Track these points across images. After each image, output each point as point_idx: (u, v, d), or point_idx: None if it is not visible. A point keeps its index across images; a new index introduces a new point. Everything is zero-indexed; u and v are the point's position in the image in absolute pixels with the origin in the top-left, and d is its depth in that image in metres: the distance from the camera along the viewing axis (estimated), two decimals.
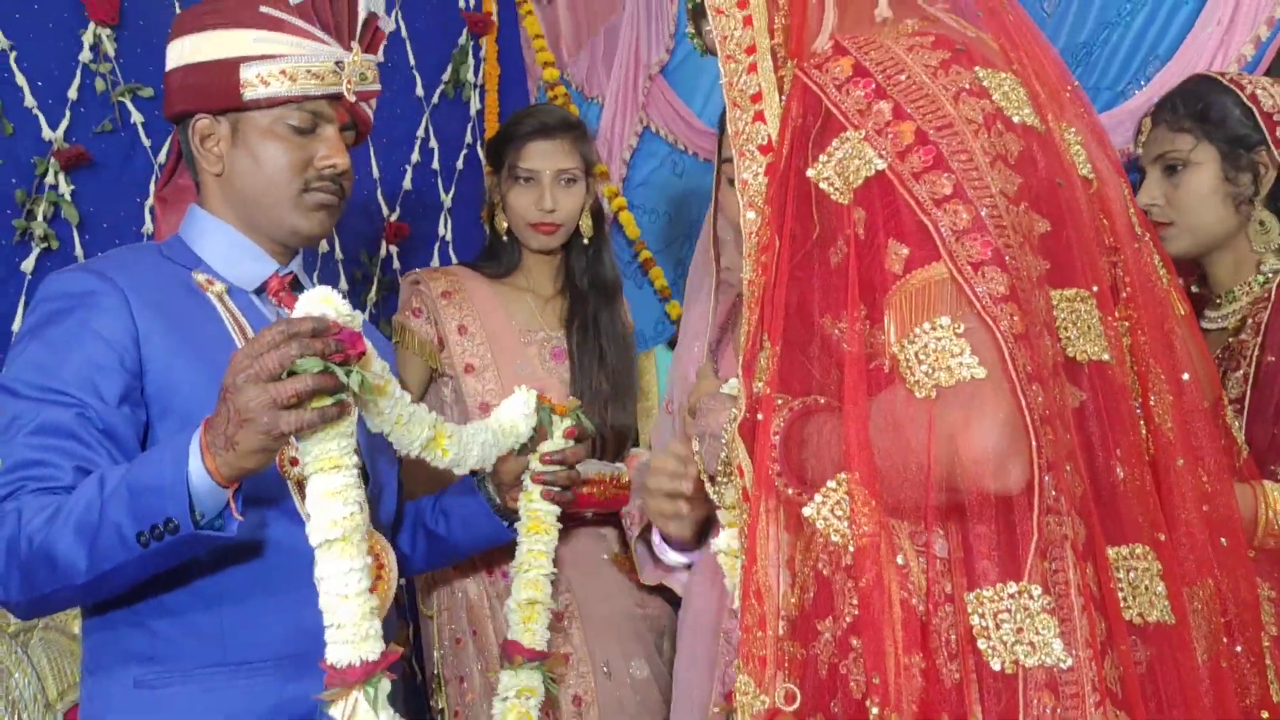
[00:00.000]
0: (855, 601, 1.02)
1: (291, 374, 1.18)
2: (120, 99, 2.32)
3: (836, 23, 1.19)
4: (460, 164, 3.10)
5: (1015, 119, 1.10)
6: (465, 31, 3.15)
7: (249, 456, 1.23)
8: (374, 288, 2.89)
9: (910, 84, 1.08)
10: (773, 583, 1.07)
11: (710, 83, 2.84)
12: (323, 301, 1.23)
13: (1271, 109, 1.70)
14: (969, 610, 0.98)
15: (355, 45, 1.56)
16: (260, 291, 1.59)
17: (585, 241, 2.25)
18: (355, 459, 1.26)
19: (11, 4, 2.16)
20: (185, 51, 1.57)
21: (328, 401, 1.20)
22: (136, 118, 2.35)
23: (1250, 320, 1.66)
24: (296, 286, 1.63)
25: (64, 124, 2.22)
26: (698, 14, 1.34)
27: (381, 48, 1.65)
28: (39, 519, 1.30)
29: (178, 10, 2.44)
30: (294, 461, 1.36)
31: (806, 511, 1.05)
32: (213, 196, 1.60)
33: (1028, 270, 1.03)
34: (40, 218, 2.15)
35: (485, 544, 1.84)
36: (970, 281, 1.00)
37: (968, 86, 1.08)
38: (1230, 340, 1.69)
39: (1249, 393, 1.60)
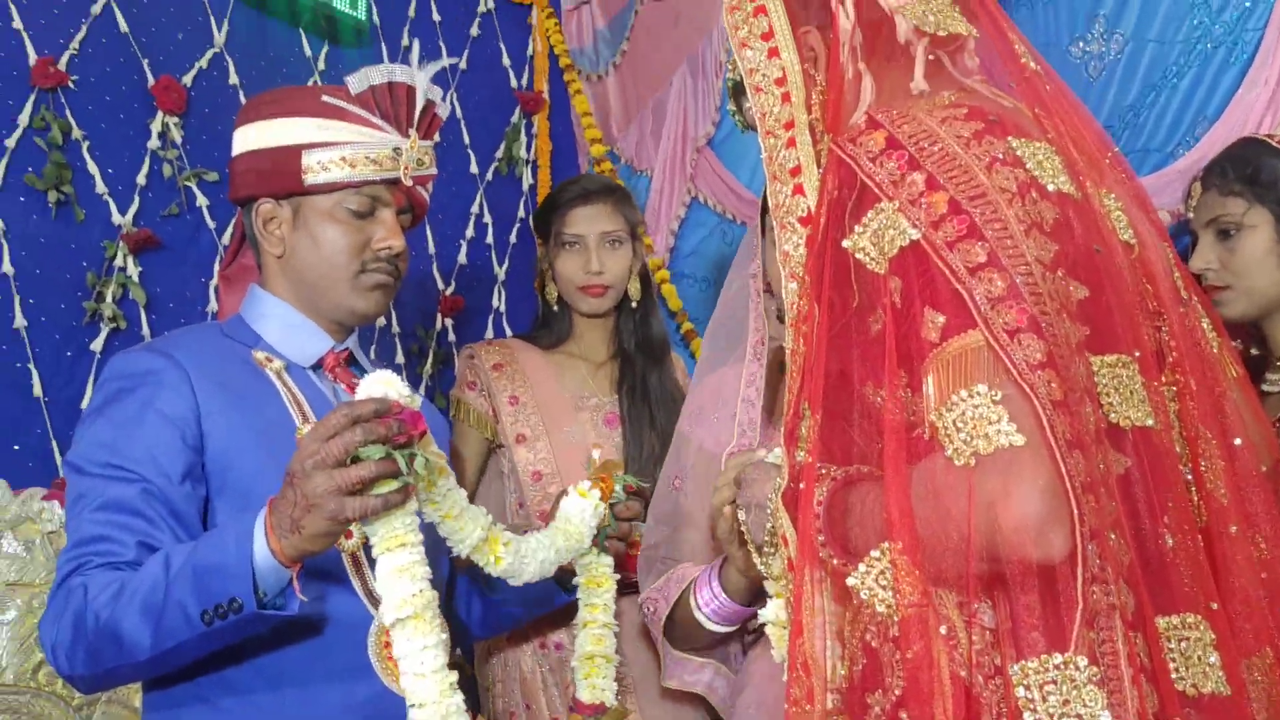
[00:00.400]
0: (902, 674, 1.01)
1: (355, 459, 1.22)
2: (186, 183, 2.41)
3: (874, 97, 1.21)
4: (513, 238, 3.17)
5: (1050, 187, 1.10)
6: (518, 110, 3.24)
7: (314, 540, 1.26)
8: (430, 360, 2.94)
9: (943, 155, 1.10)
10: (819, 654, 1.06)
11: (757, 154, 2.88)
12: (384, 384, 1.27)
13: None
14: (1014, 682, 0.96)
15: (413, 132, 1.61)
16: (317, 368, 1.64)
17: (634, 305, 2.27)
18: (420, 536, 1.28)
19: (85, 96, 2.26)
20: (250, 138, 1.64)
21: (391, 486, 1.24)
22: (201, 201, 2.43)
23: None
24: (352, 363, 1.68)
25: (133, 209, 2.31)
26: (738, 92, 1.37)
27: (438, 131, 1.70)
28: (105, 595, 1.34)
29: (241, 99, 2.54)
30: (348, 534, 1.37)
31: (850, 581, 1.04)
32: (273, 277, 1.65)
33: (1065, 336, 1.03)
34: (109, 299, 2.23)
35: (543, 609, 1.84)
36: (1006, 349, 1.00)
37: (1001, 156, 1.10)
38: None
39: None
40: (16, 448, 2.08)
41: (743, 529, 1.27)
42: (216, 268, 2.44)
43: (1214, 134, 2.21)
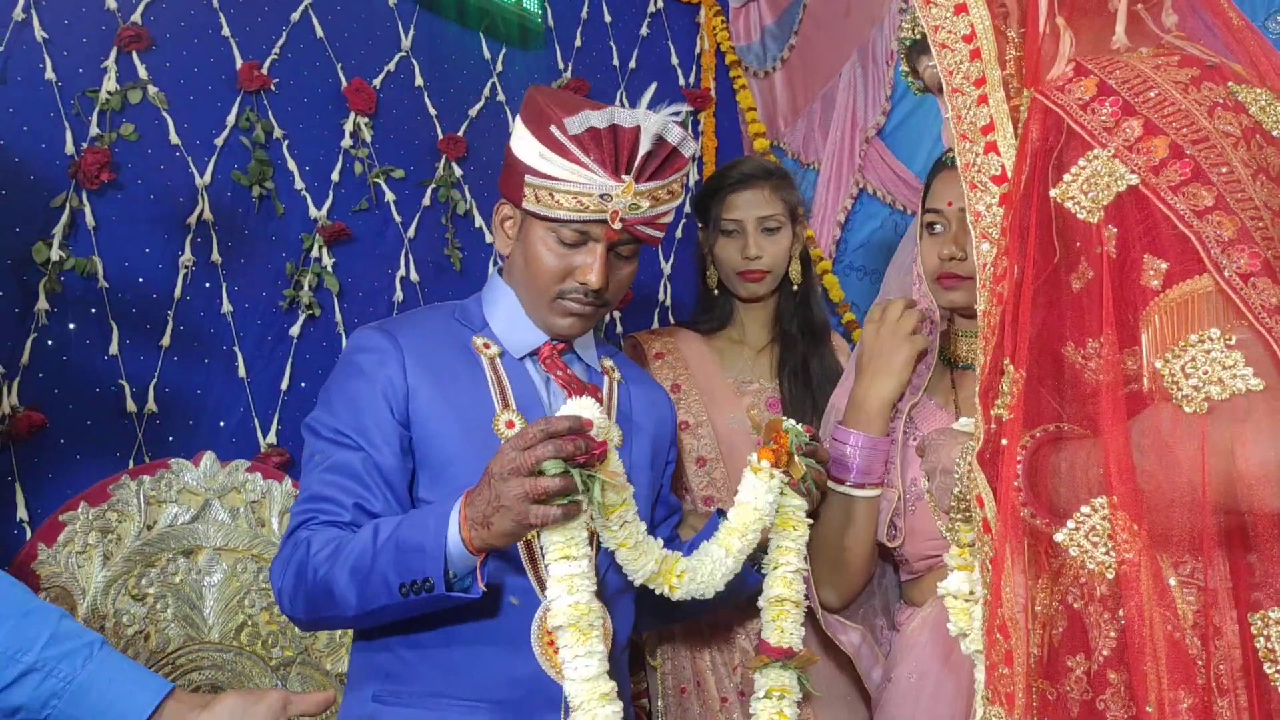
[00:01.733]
0: (1112, 634, 0.99)
1: (542, 472, 1.35)
2: (376, 180, 2.54)
3: (1073, 51, 1.19)
4: (679, 233, 3.21)
5: (1275, 133, 1.07)
6: (685, 107, 3.27)
7: (500, 537, 1.39)
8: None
9: (1160, 100, 1.07)
10: (1019, 616, 1.04)
11: (931, 142, 2.84)
12: (582, 408, 1.40)
13: None
14: (1254, 632, 0.93)
15: (628, 179, 1.58)
16: (534, 355, 1.71)
17: (794, 288, 2.27)
18: (587, 550, 1.41)
19: (284, 98, 2.42)
20: (514, 135, 1.69)
21: (571, 498, 1.36)
22: (389, 197, 2.56)
23: None
24: (569, 354, 1.74)
25: (327, 203, 2.45)
26: (916, 51, 1.36)
27: (682, 164, 1.65)
28: (324, 553, 1.49)
29: (425, 101, 2.67)
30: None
31: (1059, 538, 1.02)
32: (506, 269, 1.75)
33: None
34: (306, 288, 2.37)
35: (736, 596, 1.78)
36: (1240, 292, 0.97)
37: (1222, 101, 1.07)
38: None
39: None
40: (222, 424, 2.24)
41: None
42: (402, 260, 2.56)
43: None
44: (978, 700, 1.20)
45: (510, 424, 1.59)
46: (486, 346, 1.68)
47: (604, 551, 1.53)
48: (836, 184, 3.07)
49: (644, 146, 1.58)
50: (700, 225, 2.34)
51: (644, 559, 1.49)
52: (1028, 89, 1.17)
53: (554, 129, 1.60)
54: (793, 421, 1.65)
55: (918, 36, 1.34)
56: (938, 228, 1.74)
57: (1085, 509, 1.01)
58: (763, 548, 1.68)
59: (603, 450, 1.37)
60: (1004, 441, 1.06)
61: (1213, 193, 1.01)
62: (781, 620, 1.66)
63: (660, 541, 1.54)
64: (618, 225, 1.62)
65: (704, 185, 2.37)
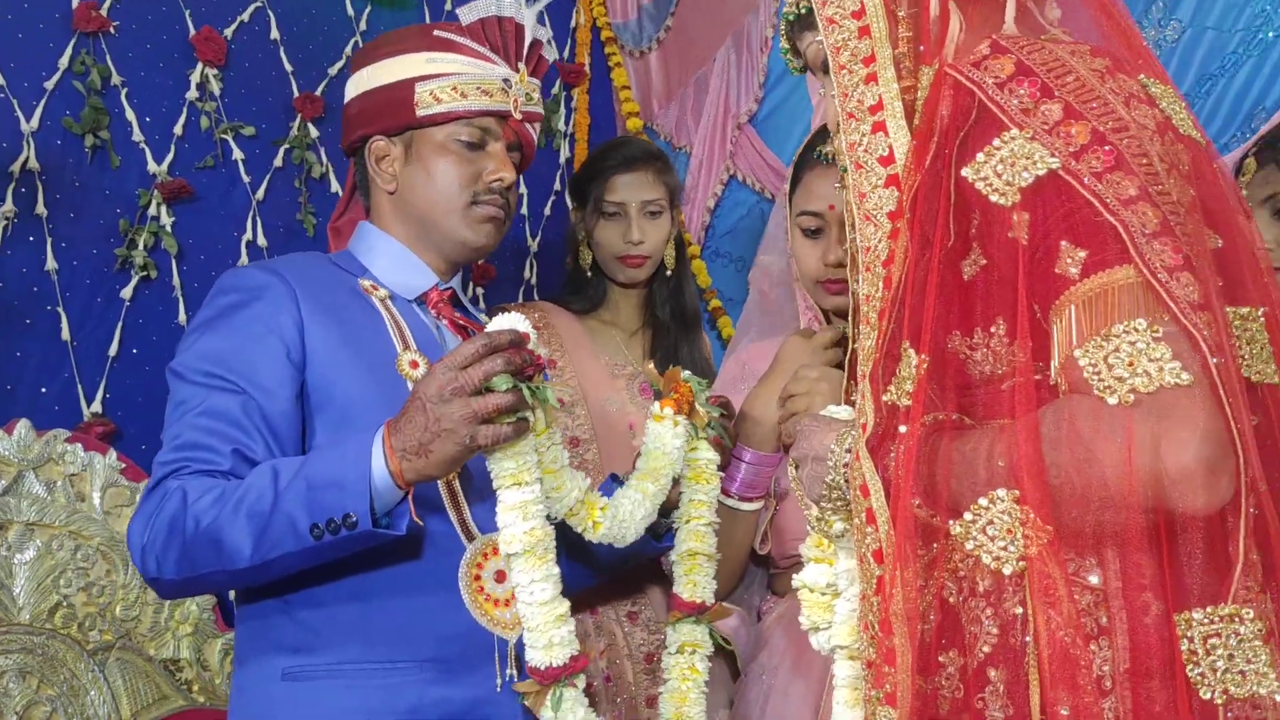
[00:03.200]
0: (994, 630, 0.98)
1: (488, 390, 1.25)
2: (223, 136, 2.40)
3: (963, 35, 1.17)
4: (548, 210, 3.14)
5: (1182, 130, 1.08)
6: (559, 82, 3.21)
7: (440, 465, 1.29)
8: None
9: (1079, 85, 1.05)
10: (905, 612, 1.00)
11: (801, 132, 2.84)
12: (514, 320, 1.31)
13: None
14: (1179, 634, 0.93)
15: (522, 66, 1.62)
16: (421, 302, 1.63)
17: (668, 273, 2.24)
18: (538, 474, 1.32)
19: (126, 42, 2.26)
20: (363, 80, 1.66)
21: (519, 414, 1.28)
22: (237, 154, 2.42)
23: None
24: (456, 302, 1.67)
25: (169, 158, 2.30)
26: (800, 27, 1.32)
27: (545, 71, 1.71)
28: (204, 500, 1.35)
29: (281, 56, 2.53)
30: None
31: (955, 530, 1.00)
32: (385, 214, 1.66)
33: (1211, 281, 1.00)
34: (141, 247, 2.22)
35: (633, 559, 1.76)
36: (1166, 285, 0.95)
37: (1136, 93, 1.06)
38: None
39: None
40: (44, 390, 2.09)
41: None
42: (249, 223, 2.43)
43: (1273, 125, 2.15)
44: (840, 695, 1.19)
45: (414, 364, 1.50)
46: (374, 289, 1.59)
47: None
48: (708, 169, 3.05)
49: (529, 35, 1.62)
50: (575, 206, 2.28)
51: (568, 486, 1.40)
52: (927, 65, 1.14)
53: (439, 33, 1.61)
54: (690, 373, 1.61)
55: (802, 11, 1.30)
56: (816, 231, 1.71)
57: (983, 501, 0.99)
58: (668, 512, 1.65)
59: (543, 362, 1.31)
60: (902, 429, 1.03)
61: (1135, 183, 0.99)
62: (694, 574, 1.62)
63: (582, 473, 1.46)
64: (519, 115, 1.62)
65: (584, 165, 2.32)
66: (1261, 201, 1.71)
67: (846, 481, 1.11)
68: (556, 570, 1.34)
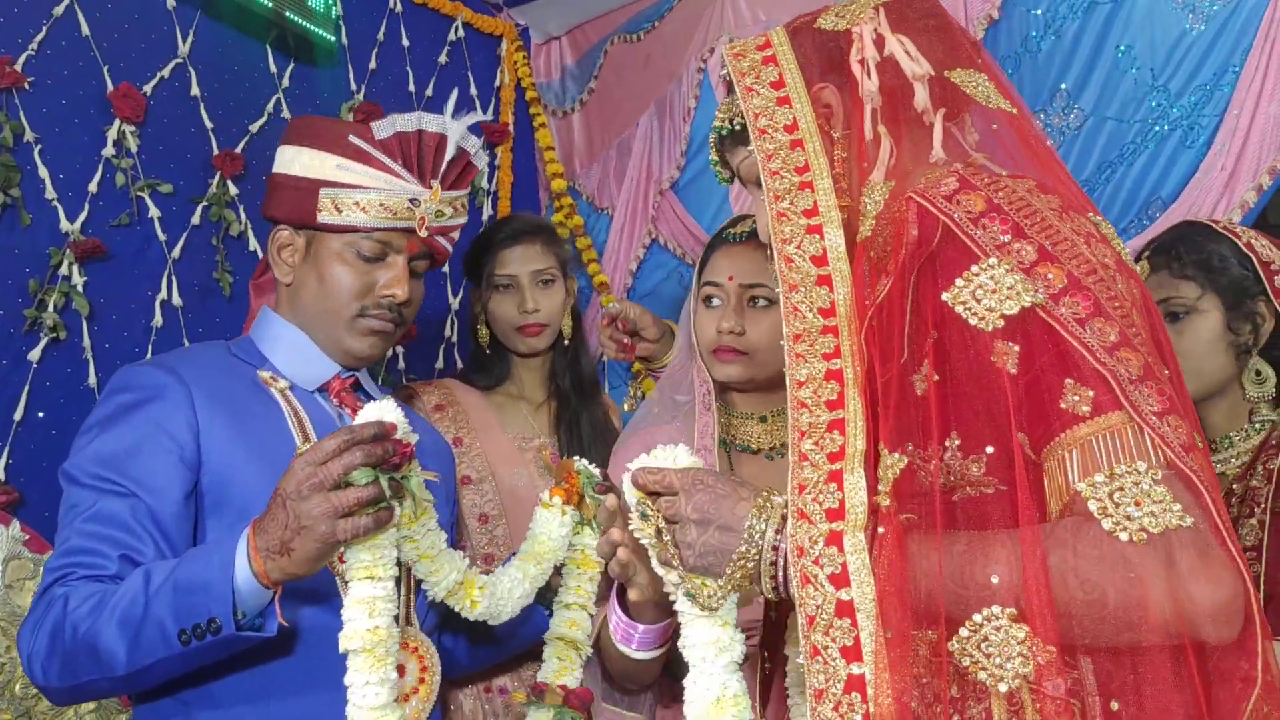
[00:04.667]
0: None
1: (348, 484, 1.23)
2: (140, 194, 2.35)
3: (893, 160, 1.22)
4: None
5: (1129, 266, 1.14)
6: (482, 140, 3.22)
7: (303, 564, 1.26)
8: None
9: (1046, 226, 1.11)
10: (901, 714, 1.02)
11: (719, 200, 2.90)
12: (382, 411, 1.29)
13: (1268, 259, 1.72)
14: None
15: (435, 184, 1.59)
16: (323, 391, 1.62)
17: (565, 343, 2.27)
18: (393, 571, 1.29)
19: (40, 98, 2.20)
20: (283, 160, 1.65)
21: (379, 506, 1.26)
22: (154, 212, 2.38)
23: (1261, 468, 1.66)
24: (358, 389, 1.66)
25: (82, 216, 2.24)
26: (732, 142, 1.36)
27: (470, 181, 1.68)
28: (84, 608, 1.33)
29: (202, 112, 2.50)
30: (342, 559, 1.36)
31: (952, 646, 1.02)
32: (283, 302, 1.66)
33: (1191, 417, 1.05)
34: (51, 308, 2.16)
35: (531, 637, 1.76)
36: (1159, 431, 1.00)
37: (1092, 231, 1.12)
38: (1235, 487, 1.68)
39: (1266, 539, 1.60)
40: None
41: (667, 546, 1.16)
42: (164, 282, 2.38)
43: (1169, 216, 2.26)
44: None
45: None
46: (274, 380, 1.58)
47: (422, 593, 1.47)
48: (630, 232, 3.09)
49: (449, 152, 1.59)
50: (472, 283, 2.30)
51: (446, 569, 1.41)
52: (863, 185, 1.19)
53: (354, 138, 1.58)
54: (585, 463, 1.62)
55: (736, 128, 1.34)
56: (715, 301, 1.76)
57: (978, 617, 1.02)
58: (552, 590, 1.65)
59: (410, 451, 1.29)
60: (880, 529, 1.05)
61: (1115, 328, 1.04)
62: (554, 658, 1.62)
63: (461, 554, 1.46)
64: (425, 233, 1.60)
65: (473, 243, 2.33)
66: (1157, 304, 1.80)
67: (778, 562, 1.10)
68: (394, 676, 1.30)
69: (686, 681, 1.20)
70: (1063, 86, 2.44)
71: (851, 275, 1.17)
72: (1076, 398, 1.03)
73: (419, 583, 1.48)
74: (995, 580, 1.01)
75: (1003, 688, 1.01)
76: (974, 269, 1.08)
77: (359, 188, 1.57)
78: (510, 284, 2.21)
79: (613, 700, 1.77)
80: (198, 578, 1.29)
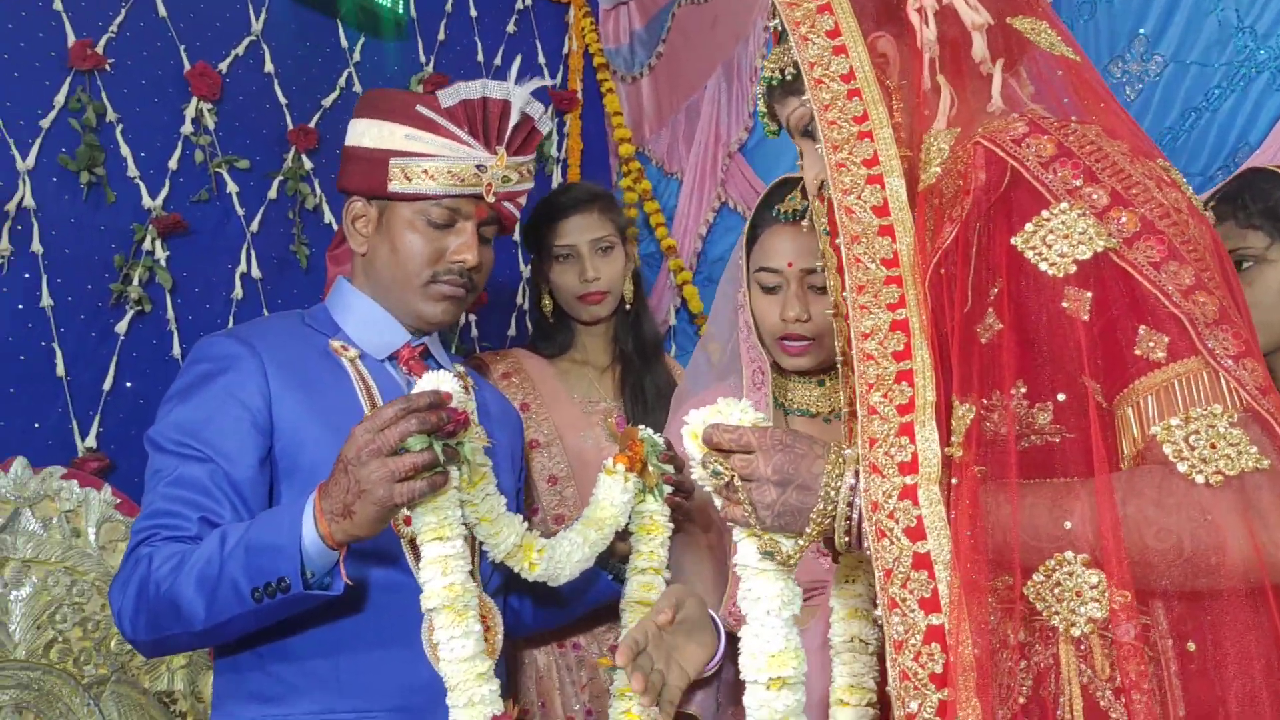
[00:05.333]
0: (1028, 682, 1.01)
1: (405, 450, 1.28)
2: (217, 170, 2.42)
3: (953, 110, 1.20)
4: None
5: (1200, 210, 1.11)
6: (550, 108, 3.23)
7: (364, 525, 1.31)
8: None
9: (1117, 170, 1.09)
10: (979, 663, 1.01)
11: (789, 161, 2.86)
12: (439, 381, 1.33)
13: None
14: None
15: (500, 149, 1.62)
16: (392, 359, 1.66)
17: (627, 308, 2.29)
18: (461, 529, 1.34)
19: (121, 79, 2.28)
20: (355, 134, 1.69)
21: (435, 470, 1.30)
22: (231, 188, 2.44)
23: None
24: (428, 357, 1.70)
25: (163, 193, 2.32)
26: (781, 92, 1.34)
27: (535, 147, 1.71)
28: (166, 567, 1.40)
29: (276, 89, 2.55)
30: (407, 521, 1.41)
31: (1026, 591, 1.03)
32: (357, 272, 1.71)
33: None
34: (136, 282, 2.24)
35: (596, 600, 1.80)
36: (1234, 375, 0.99)
37: (1162, 176, 1.10)
38: None
39: None
40: (37, 425, 2.10)
41: (743, 505, 1.15)
42: (243, 255, 2.45)
43: (1255, 160, 2.17)
44: None
45: None
46: (345, 349, 1.63)
47: (485, 555, 1.51)
48: (699, 196, 3.08)
49: (514, 118, 1.62)
50: (532, 254, 2.33)
51: (505, 532, 1.45)
52: (930, 135, 1.18)
53: (421, 108, 1.61)
54: (649, 431, 1.64)
55: (787, 78, 1.32)
56: (774, 287, 1.73)
57: (1050, 562, 1.02)
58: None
59: (465, 419, 1.33)
60: (954, 480, 1.05)
61: (1190, 271, 1.03)
62: (632, 624, 1.62)
63: (521, 517, 1.50)
64: (491, 198, 1.63)
65: (530, 215, 2.34)
66: None
67: (853, 517, 1.10)
68: (478, 627, 1.35)
69: (744, 633, 1.22)
70: (1141, 32, 2.35)
71: (914, 225, 1.16)
72: (1151, 343, 1.01)
73: (481, 545, 1.51)
74: (1069, 526, 1.01)
75: (1075, 632, 1.01)
76: (1044, 214, 1.07)
77: (427, 156, 1.60)
78: (570, 253, 2.24)
79: None
80: (268, 540, 1.35)
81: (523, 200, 1.73)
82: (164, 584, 1.39)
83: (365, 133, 1.66)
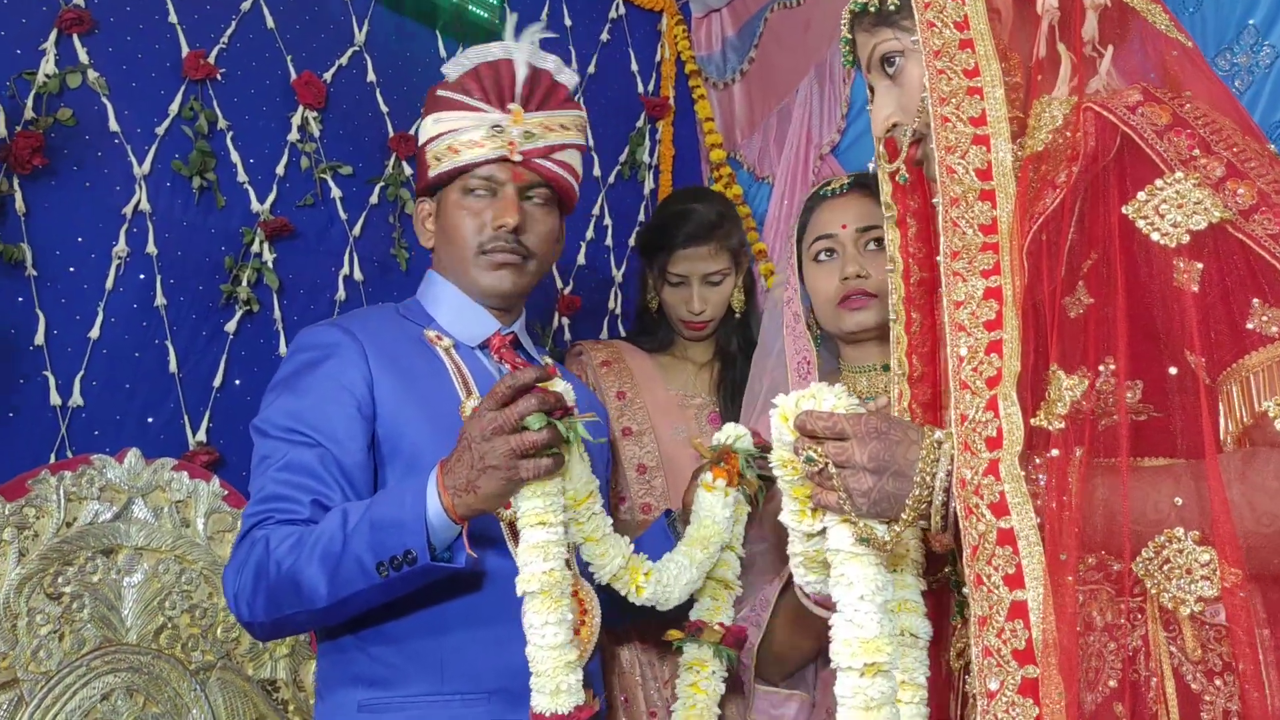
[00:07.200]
0: (1117, 665, 1.00)
1: (524, 429, 1.31)
2: (322, 176, 2.50)
3: (1073, 82, 1.17)
4: (632, 240, 3.19)
5: None
6: (643, 115, 3.26)
7: (488, 499, 1.34)
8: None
9: (1232, 141, 1.07)
10: (1064, 644, 0.98)
11: None
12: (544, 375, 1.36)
13: None
14: None
15: (514, 107, 1.63)
16: (484, 348, 1.70)
17: (736, 315, 2.30)
18: (562, 516, 1.36)
19: (230, 89, 2.37)
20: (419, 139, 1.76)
21: (553, 450, 1.33)
22: (336, 193, 2.52)
23: None
24: (518, 345, 1.74)
25: (271, 197, 2.40)
26: (871, 21, 1.28)
27: (565, 97, 1.71)
28: (284, 546, 1.44)
29: (378, 97, 2.63)
30: (507, 505, 1.43)
31: (1135, 568, 1.01)
32: (438, 260, 1.77)
33: None
34: (245, 283, 2.32)
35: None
36: None
37: (1274, 153, 1.08)
38: None
39: None
40: (150, 420, 2.19)
41: (836, 490, 1.14)
42: (346, 258, 2.52)
43: None
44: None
45: (477, 410, 1.56)
46: (439, 339, 1.67)
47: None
48: (790, 199, 3.06)
49: (520, 71, 1.63)
50: (645, 262, 2.36)
51: (611, 554, 1.46)
52: (1036, 99, 1.15)
53: (438, 91, 1.67)
54: (739, 437, 1.62)
55: (889, 7, 1.24)
56: (829, 255, 1.72)
57: (1160, 538, 1.00)
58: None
59: (571, 406, 1.36)
60: (1054, 452, 1.03)
61: None
62: (707, 596, 1.65)
63: (627, 539, 1.50)
64: (518, 157, 1.63)
65: (651, 230, 2.38)
66: None
67: (950, 503, 1.08)
68: (570, 616, 1.35)
69: (836, 620, 1.20)
70: (1250, 23, 2.28)
71: (1015, 191, 1.13)
72: (1266, 318, 0.99)
73: (586, 564, 1.52)
74: (1179, 501, 0.99)
75: (1184, 611, 0.98)
76: (1158, 183, 1.04)
77: (449, 133, 1.65)
78: (681, 282, 2.27)
79: (773, 683, 1.77)
80: (393, 515, 1.38)
81: (568, 159, 1.71)
82: (285, 563, 1.42)
83: (419, 136, 1.73)
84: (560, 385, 1.36)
